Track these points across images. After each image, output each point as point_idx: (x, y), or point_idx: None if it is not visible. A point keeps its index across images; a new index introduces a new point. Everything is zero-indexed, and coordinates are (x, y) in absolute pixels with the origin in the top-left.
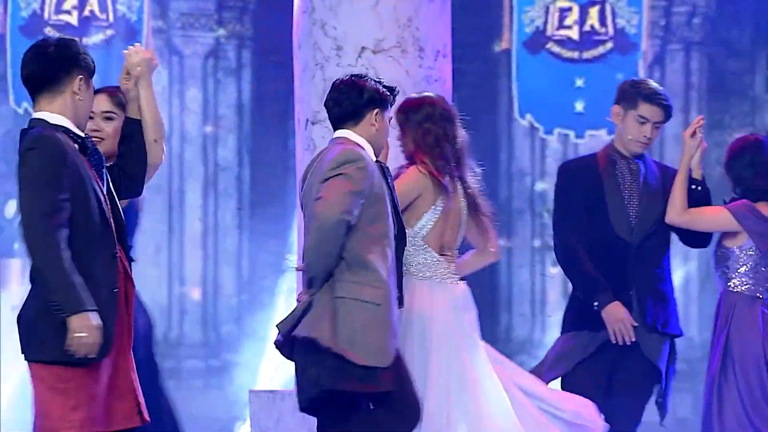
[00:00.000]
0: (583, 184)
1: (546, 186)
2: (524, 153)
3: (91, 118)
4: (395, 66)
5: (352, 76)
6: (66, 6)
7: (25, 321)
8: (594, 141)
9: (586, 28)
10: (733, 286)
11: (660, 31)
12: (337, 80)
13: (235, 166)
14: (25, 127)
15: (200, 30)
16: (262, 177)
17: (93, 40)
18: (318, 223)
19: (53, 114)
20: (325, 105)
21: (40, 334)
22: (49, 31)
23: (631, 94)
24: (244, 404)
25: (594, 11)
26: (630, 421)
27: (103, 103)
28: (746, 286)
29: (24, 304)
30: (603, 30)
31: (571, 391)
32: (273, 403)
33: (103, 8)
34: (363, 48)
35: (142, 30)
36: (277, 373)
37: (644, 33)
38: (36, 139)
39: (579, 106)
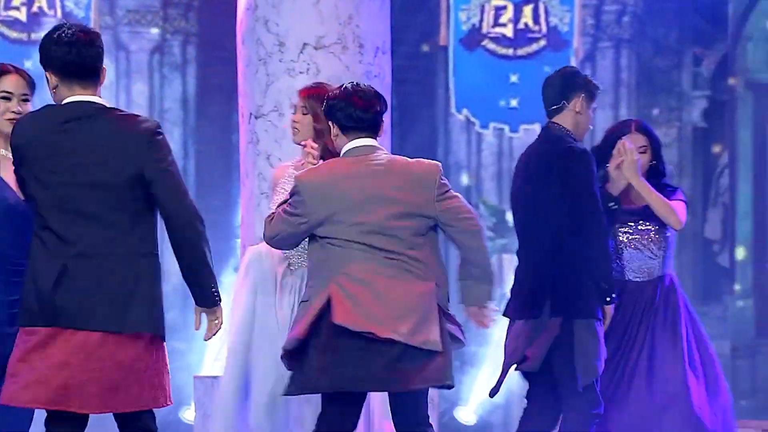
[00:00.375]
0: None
1: (470, 181)
2: (461, 146)
3: (8, 98)
4: (336, 62)
5: (370, 85)
6: (15, 2)
7: (148, 295)
8: (528, 135)
9: (520, 26)
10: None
11: (591, 29)
12: (366, 90)
13: (180, 159)
14: (85, 108)
15: (146, 26)
16: (207, 169)
17: (41, 36)
18: (480, 233)
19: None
20: (355, 114)
21: (160, 311)
22: None
23: (590, 87)
24: (188, 390)
25: (528, 10)
26: None
27: (21, 85)
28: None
29: (130, 279)
30: (536, 28)
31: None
32: (217, 388)
33: (51, 4)
34: (305, 44)
35: (90, 26)
36: (219, 359)
37: (576, 31)
38: (159, 124)
39: (513, 102)
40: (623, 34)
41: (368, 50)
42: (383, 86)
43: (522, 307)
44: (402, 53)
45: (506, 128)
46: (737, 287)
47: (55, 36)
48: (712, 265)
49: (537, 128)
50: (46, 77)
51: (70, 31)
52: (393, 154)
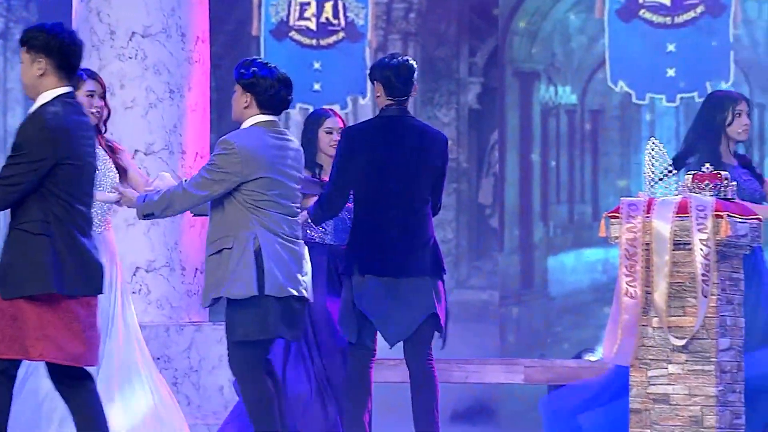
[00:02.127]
0: None
1: None
2: None
3: None
4: (161, 49)
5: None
6: None
7: None
8: None
9: (323, 20)
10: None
11: (383, 23)
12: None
13: None
14: None
15: None
16: None
17: None
18: None
19: None
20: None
21: None
22: None
23: None
24: None
25: (329, 6)
26: None
27: None
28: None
29: None
30: (336, 22)
31: None
32: None
33: None
34: (133, 33)
35: None
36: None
37: (370, 25)
38: None
39: (317, 86)
40: (410, 28)
41: (189, 38)
42: (203, 70)
43: (424, 264)
44: (219, 41)
45: (310, 108)
46: (505, 245)
47: None
48: (484, 226)
49: (337, 109)
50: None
51: None
52: (212, 131)
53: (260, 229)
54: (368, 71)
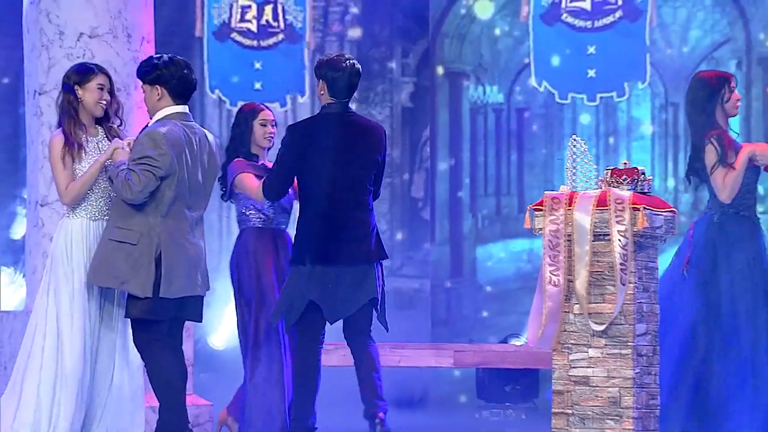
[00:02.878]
0: None
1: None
2: (214, 120)
3: None
4: (108, 49)
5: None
6: None
7: None
8: None
9: (263, 22)
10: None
11: (320, 25)
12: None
13: None
14: None
15: None
16: None
17: None
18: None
19: None
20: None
21: None
22: None
23: None
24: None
25: (268, 9)
26: None
27: None
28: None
29: None
30: (276, 24)
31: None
32: (6, 320)
33: None
34: (81, 33)
35: None
36: (15, 294)
37: (308, 27)
38: None
39: (257, 84)
40: (346, 30)
41: (135, 39)
42: None
43: (370, 251)
44: (164, 42)
45: None
46: (436, 236)
47: None
48: (416, 218)
49: (277, 106)
50: None
51: None
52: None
53: (164, 229)
54: (315, 67)
